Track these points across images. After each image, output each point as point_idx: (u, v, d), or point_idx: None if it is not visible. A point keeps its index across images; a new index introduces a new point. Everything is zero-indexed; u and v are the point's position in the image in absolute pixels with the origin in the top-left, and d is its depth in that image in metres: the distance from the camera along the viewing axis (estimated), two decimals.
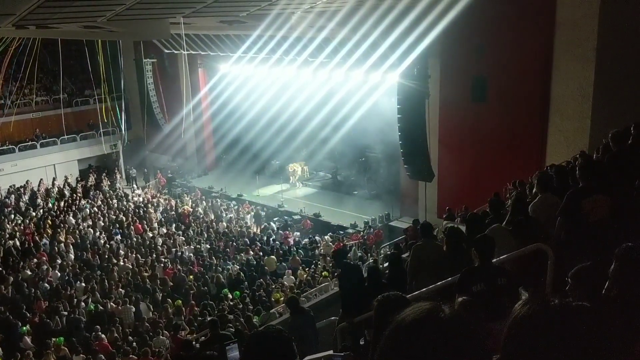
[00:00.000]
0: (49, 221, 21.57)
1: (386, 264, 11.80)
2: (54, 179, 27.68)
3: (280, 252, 18.70)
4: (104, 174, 28.60)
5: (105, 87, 27.78)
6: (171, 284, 16.08)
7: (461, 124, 19.05)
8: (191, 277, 16.48)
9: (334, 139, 25.17)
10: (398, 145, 19.35)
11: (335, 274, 8.57)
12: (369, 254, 18.60)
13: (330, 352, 5.97)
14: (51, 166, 29.12)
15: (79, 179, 28.47)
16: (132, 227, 21.36)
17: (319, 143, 25.86)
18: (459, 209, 15.85)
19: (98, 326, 12.84)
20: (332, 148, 25.98)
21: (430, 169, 19.03)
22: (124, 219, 22.11)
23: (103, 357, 11.35)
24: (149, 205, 24.18)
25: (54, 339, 12.15)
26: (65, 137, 29.82)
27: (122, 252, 18.71)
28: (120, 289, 15.48)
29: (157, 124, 30.25)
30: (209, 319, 12.60)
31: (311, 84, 23.90)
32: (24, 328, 13.11)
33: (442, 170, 19.75)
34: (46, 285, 15.90)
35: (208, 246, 19.51)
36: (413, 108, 18.26)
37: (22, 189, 25.93)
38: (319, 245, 19.91)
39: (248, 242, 19.83)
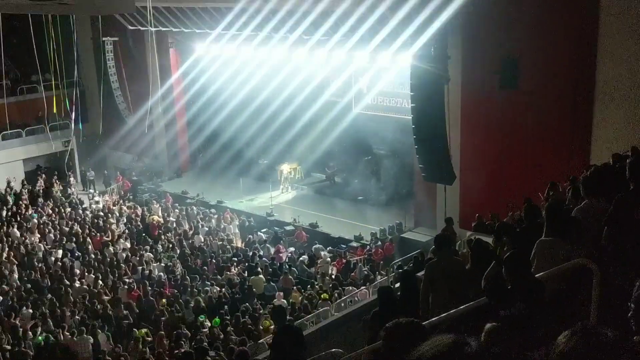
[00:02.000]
0: None
1: (397, 285, 11.81)
2: None
3: (270, 270, 18.67)
4: (55, 177, 28.51)
5: (56, 72, 27.70)
6: (137, 310, 16.05)
7: (487, 114, 19.08)
8: (163, 300, 16.45)
9: (334, 133, 25.16)
10: (412, 140, 19.35)
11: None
12: (377, 272, 18.59)
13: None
14: None
15: (25, 182, 28.37)
16: (89, 240, 21.32)
17: (316, 138, 25.83)
18: (486, 217, 15.86)
19: None
20: (331, 144, 25.94)
21: (451, 169, 19.04)
22: (80, 230, 22.06)
23: None
24: (110, 215, 24.13)
25: None
26: (8, 132, 29.73)
27: (77, 271, 18.67)
28: (76, 317, 15.42)
29: (120, 116, 30.21)
30: (183, 351, 12.59)
31: (306, 67, 23.90)
32: None
33: (465, 170, 19.77)
34: None
35: (181, 264, 19.47)
36: (429, 96, 18.28)
37: None
38: (318, 261, 19.86)
39: (231, 259, 19.79)
